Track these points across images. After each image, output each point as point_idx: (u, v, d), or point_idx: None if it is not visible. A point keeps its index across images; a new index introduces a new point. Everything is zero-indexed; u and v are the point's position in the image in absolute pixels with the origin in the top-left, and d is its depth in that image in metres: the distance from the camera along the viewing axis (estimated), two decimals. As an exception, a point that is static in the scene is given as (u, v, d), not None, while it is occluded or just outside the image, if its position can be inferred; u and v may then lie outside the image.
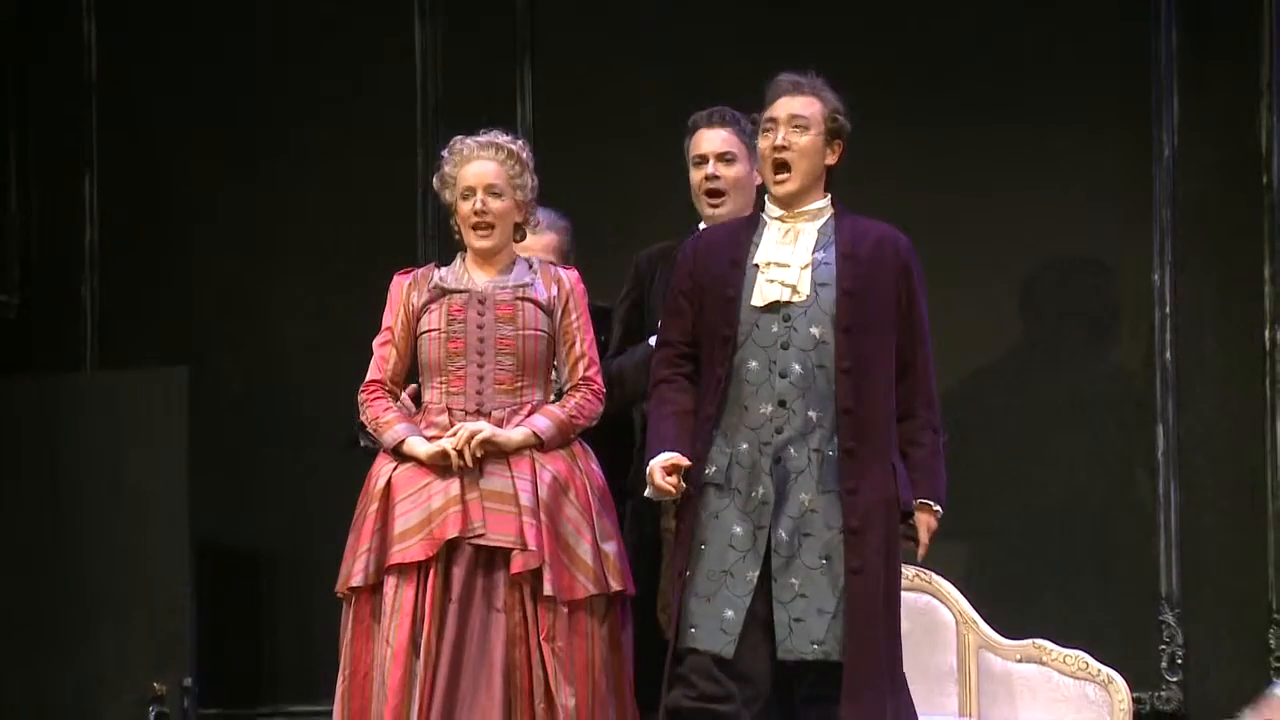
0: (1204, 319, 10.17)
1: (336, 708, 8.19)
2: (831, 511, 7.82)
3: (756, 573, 7.75)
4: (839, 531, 7.85)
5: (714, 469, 7.93)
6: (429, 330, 8.29)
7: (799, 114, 8.08)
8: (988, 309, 10.33)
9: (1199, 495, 10.19)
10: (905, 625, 8.76)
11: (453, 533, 7.98)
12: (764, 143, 8.14)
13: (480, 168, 8.33)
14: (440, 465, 8.04)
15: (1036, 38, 10.36)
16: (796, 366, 7.92)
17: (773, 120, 8.12)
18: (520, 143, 8.52)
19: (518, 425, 8.10)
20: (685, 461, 7.93)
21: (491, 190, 8.29)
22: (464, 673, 8.30)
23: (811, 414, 7.93)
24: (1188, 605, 10.17)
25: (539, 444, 7.99)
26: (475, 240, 8.21)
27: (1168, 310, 10.13)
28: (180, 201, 10.96)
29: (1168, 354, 10.10)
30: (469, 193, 8.30)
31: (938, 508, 8.08)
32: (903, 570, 8.83)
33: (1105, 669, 9.22)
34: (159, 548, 10.30)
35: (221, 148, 10.89)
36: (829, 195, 8.19)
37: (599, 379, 8.27)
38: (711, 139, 8.69)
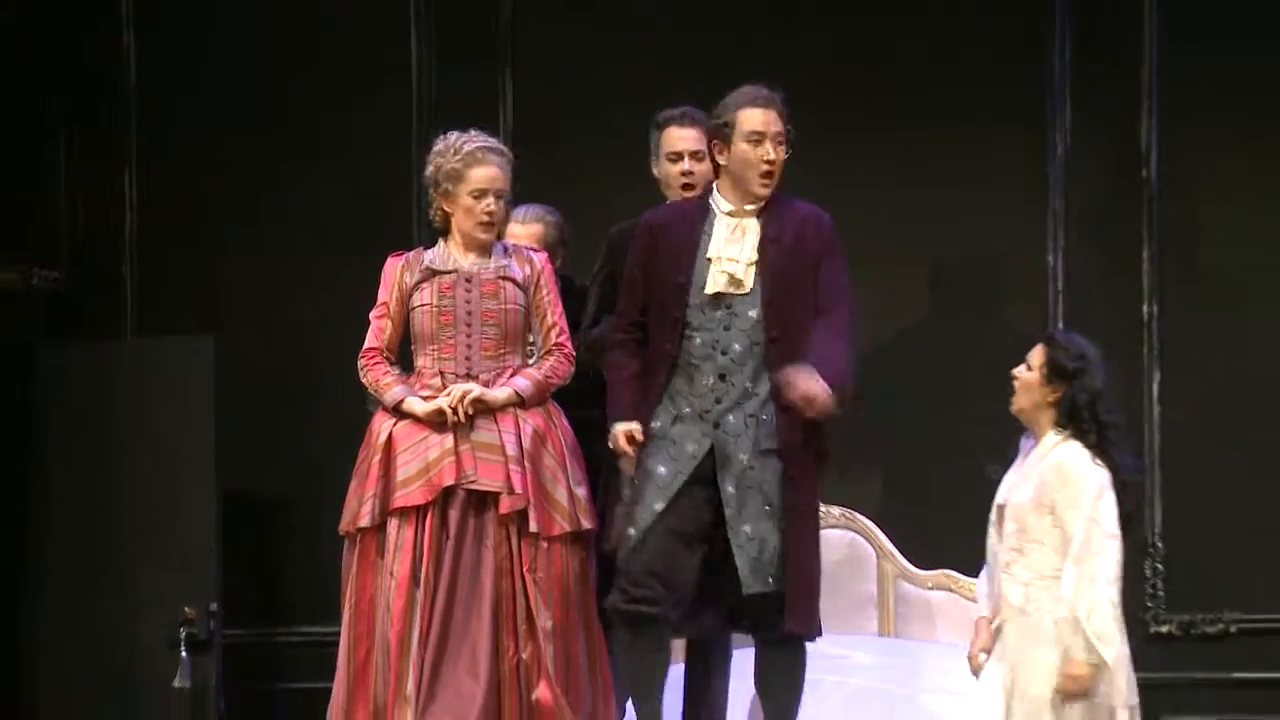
0: (1091, 295, 10.21)
1: (344, 630, 8.31)
2: (769, 466, 7.98)
3: (663, 504, 7.90)
4: (778, 482, 8.03)
5: (658, 424, 8.09)
6: (421, 305, 8.35)
7: (781, 130, 8.21)
8: (910, 286, 10.35)
9: None
10: (834, 557, 9.36)
11: (449, 480, 8.10)
12: (753, 152, 8.17)
13: (492, 171, 8.42)
14: (436, 422, 8.01)
15: (946, 49, 10.37)
16: (736, 345, 8.05)
17: (760, 134, 8.19)
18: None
19: (502, 386, 8.04)
20: (642, 436, 8.07)
21: (499, 193, 8.40)
22: (458, 600, 8.37)
23: (748, 385, 8.06)
24: (1078, 539, 10.31)
25: (520, 402, 8.09)
26: (480, 234, 8.31)
27: (1059, 287, 10.16)
28: (208, 192, 10.99)
29: (1059, 324, 10.06)
30: (481, 193, 8.37)
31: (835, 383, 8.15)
32: (832, 510, 9.48)
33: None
34: (189, 493, 10.41)
35: (243, 145, 10.90)
36: None
37: (569, 344, 8.35)
38: (686, 138, 8.69)
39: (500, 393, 8.03)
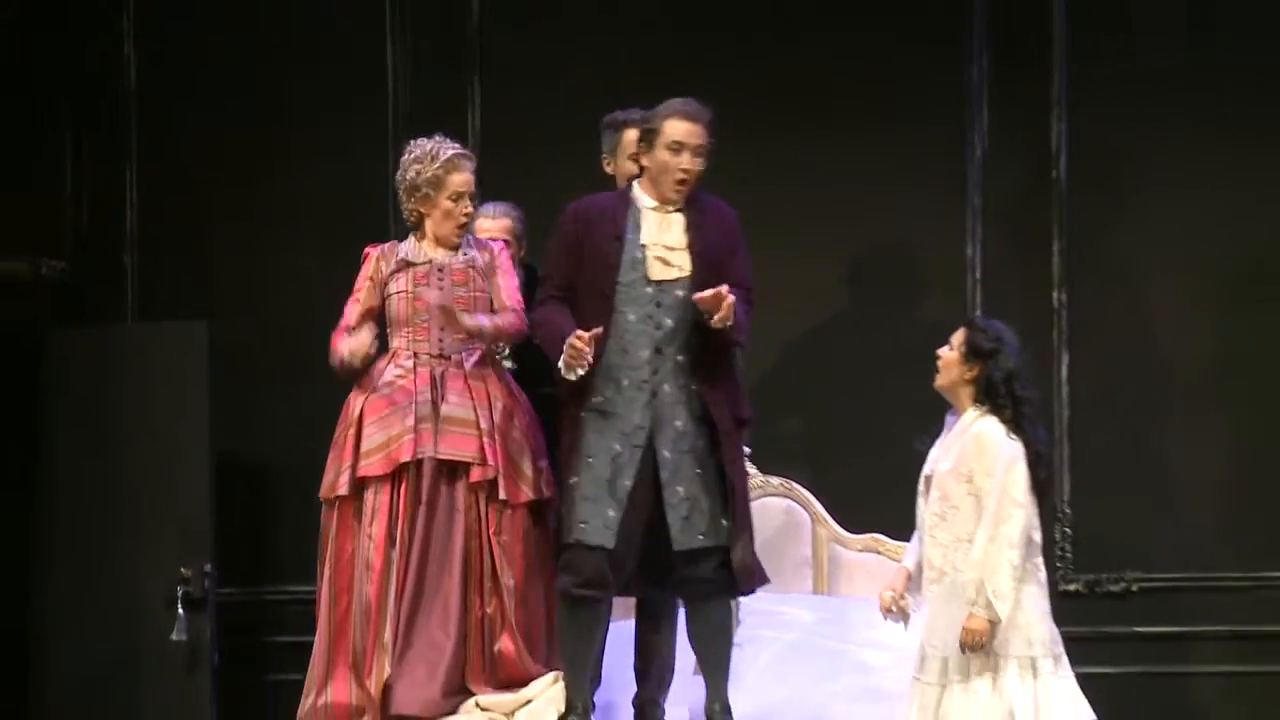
0: (1006, 283, 10.35)
1: (324, 587, 8.49)
2: (701, 432, 8.19)
3: (631, 483, 8.11)
4: (709, 444, 8.25)
5: (600, 399, 8.27)
6: (398, 292, 8.57)
7: (702, 144, 8.37)
8: (841, 275, 10.46)
9: None
10: (773, 522, 9.63)
11: (406, 457, 8.46)
12: (671, 160, 8.36)
13: (467, 176, 8.65)
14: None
15: (877, 60, 10.49)
16: (668, 320, 8.23)
17: (681, 145, 8.37)
18: None
19: (471, 354, 8.35)
20: (592, 333, 8.20)
21: (472, 195, 8.65)
22: (431, 559, 8.62)
23: (679, 357, 8.25)
24: (994, 508, 10.43)
25: (480, 332, 8.34)
26: (455, 236, 8.57)
27: (977, 276, 10.32)
28: (202, 189, 11.08)
29: (977, 310, 10.23)
30: (458, 196, 8.59)
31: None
32: (771, 480, 9.69)
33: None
34: (185, 465, 10.53)
35: (235, 146, 10.98)
36: None
37: (521, 308, 8.56)
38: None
39: (467, 318, 8.23)
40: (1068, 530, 10.18)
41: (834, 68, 10.53)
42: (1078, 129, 10.33)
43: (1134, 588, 10.08)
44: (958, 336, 8.29)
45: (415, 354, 8.49)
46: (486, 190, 9.94)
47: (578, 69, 10.57)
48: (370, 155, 10.62)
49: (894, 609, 8.52)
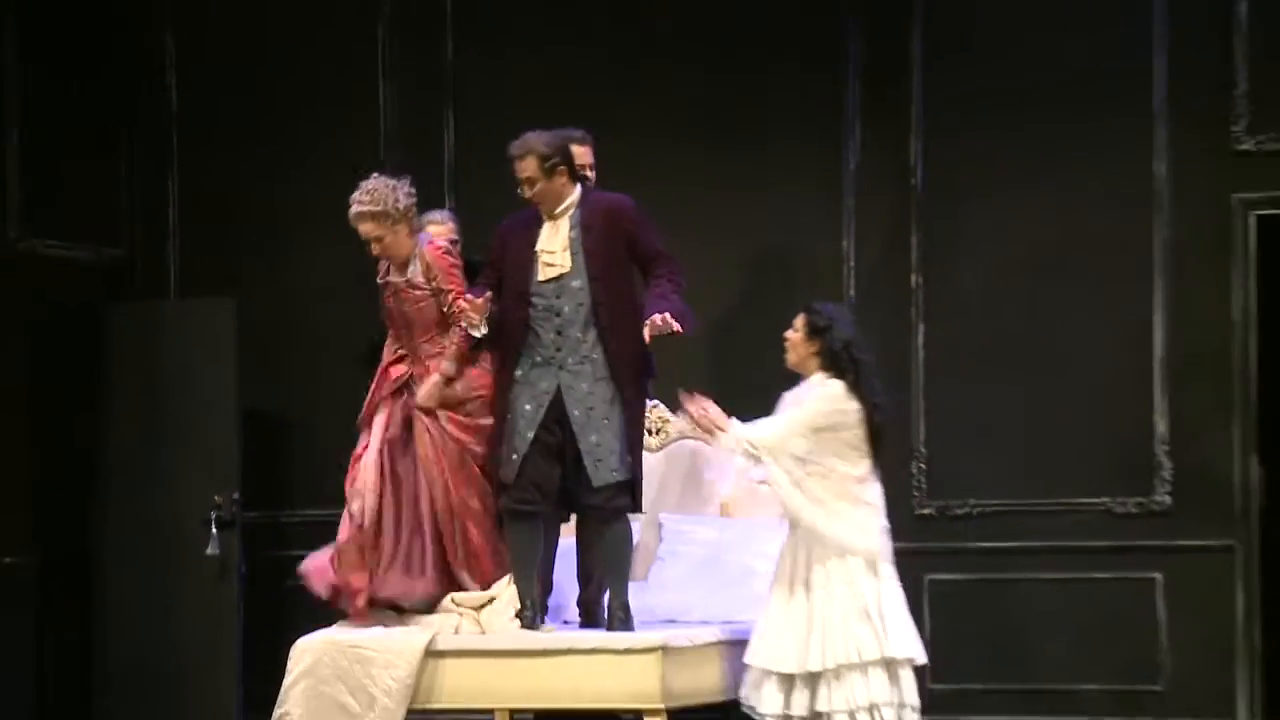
0: (873, 270, 10.71)
1: (347, 489, 9.02)
2: (601, 392, 8.89)
3: (533, 433, 8.84)
4: (611, 400, 8.92)
5: (520, 372, 8.98)
6: (383, 307, 9.20)
7: (524, 175, 8.96)
8: (739, 264, 10.77)
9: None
10: (688, 461, 10.04)
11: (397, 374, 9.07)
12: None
13: (428, 214, 9.42)
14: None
15: (771, 88, 10.74)
16: (566, 308, 8.89)
17: (517, 175, 8.97)
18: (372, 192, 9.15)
19: (435, 370, 8.94)
20: (484, 298, 8.75)
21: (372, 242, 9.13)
22: (401, 466, 9.08)
23: (578, 334, 8.92)
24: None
25: (448, 380, 8.98)
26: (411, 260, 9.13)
27: (851, 265, 10.69)
28: (231, 190, 11.38)
29: (851, 292, 10.67)
30: (419, 228, 9.19)
31: (669, 317, 8.83)
32: (689, 427, 9.74)
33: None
34: (217, 413, 10.93)
35: (258, 156, 11.26)
36: (579, 186, 9.01)
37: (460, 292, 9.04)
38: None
39: (429, 383, 8.88)
40: (922, 466, 10.60)
41: (741, 97, 10.84)
42: (930, 146, 10.67)
43: (974, 511, 10.50)
44: (799, 320, 8.80)
45: (400, 356, 9.13)
46: (462, 198, 10.97)
47: (535, 96, 10.72)
48: (365, 165, 10.29)
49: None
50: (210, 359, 10.94)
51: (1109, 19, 10.52)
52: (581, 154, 9.37)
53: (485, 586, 9.31)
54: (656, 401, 9.97)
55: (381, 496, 9.21)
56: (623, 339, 9.06)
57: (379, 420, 9.21)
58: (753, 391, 9.57)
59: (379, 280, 9.25)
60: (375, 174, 9.23)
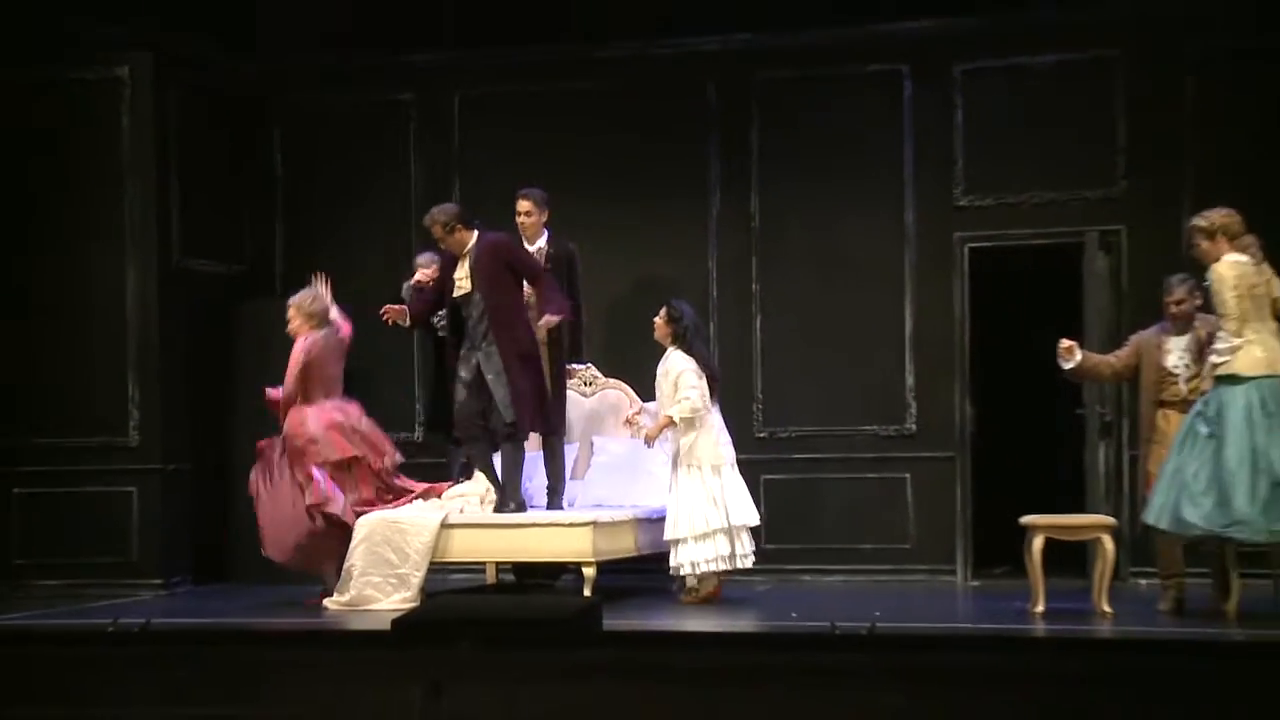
0: (728, 281, 11.41)
1: None
2: (497, 364, 9.60)
3: (468, 391, 9.51)
4: (499, 372, 9.60)
5: (462, 352, 9.65)
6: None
7: (435, 235, 9.65)
8: (634, 278, 11.26)
9: (734, 356, 11.25)
10: (609, 399, 10.59)
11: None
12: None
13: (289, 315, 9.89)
14: None
15: (658, 161, 11.38)
16: (474, 313, 9.62)
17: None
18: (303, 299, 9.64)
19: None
20: (397, 308, 9.41)
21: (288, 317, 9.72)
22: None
23: (482, 330, 9.63)
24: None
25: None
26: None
27: (714, 276, 11.45)
28: (315, 229, 11.80)
29: (714, 294, 11.40)
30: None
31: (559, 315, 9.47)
32: (610, 379, 10.62)
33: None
34: None
35: (335, 207, 11.76)
36: (475, 233, 9.56)
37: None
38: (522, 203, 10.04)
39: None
40: (760, 405, 11.35)
41: (644, 167, 11.40)
42: (764, 200, 11.36)
43: (792, 434, 11.31)
44: (661, 312, 9.70)
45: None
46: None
47: (512, 168, 11.08)
48: (400, 215, 11.46)
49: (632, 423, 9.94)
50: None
51: (879, 121, 11.16)
52: (521, 204, 10.07)
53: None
54: (589, 364, 10.68)
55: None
56: (505, 332, 9.63)
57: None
58: (641, 354, 10.31)
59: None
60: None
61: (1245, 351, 8.36)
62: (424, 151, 11.76)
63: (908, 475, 11.07)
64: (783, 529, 11.04)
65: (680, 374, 9.57)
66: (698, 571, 9.53)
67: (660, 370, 9.73)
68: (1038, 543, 9.01)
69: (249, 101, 11.87)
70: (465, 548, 9.62)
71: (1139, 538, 9.37)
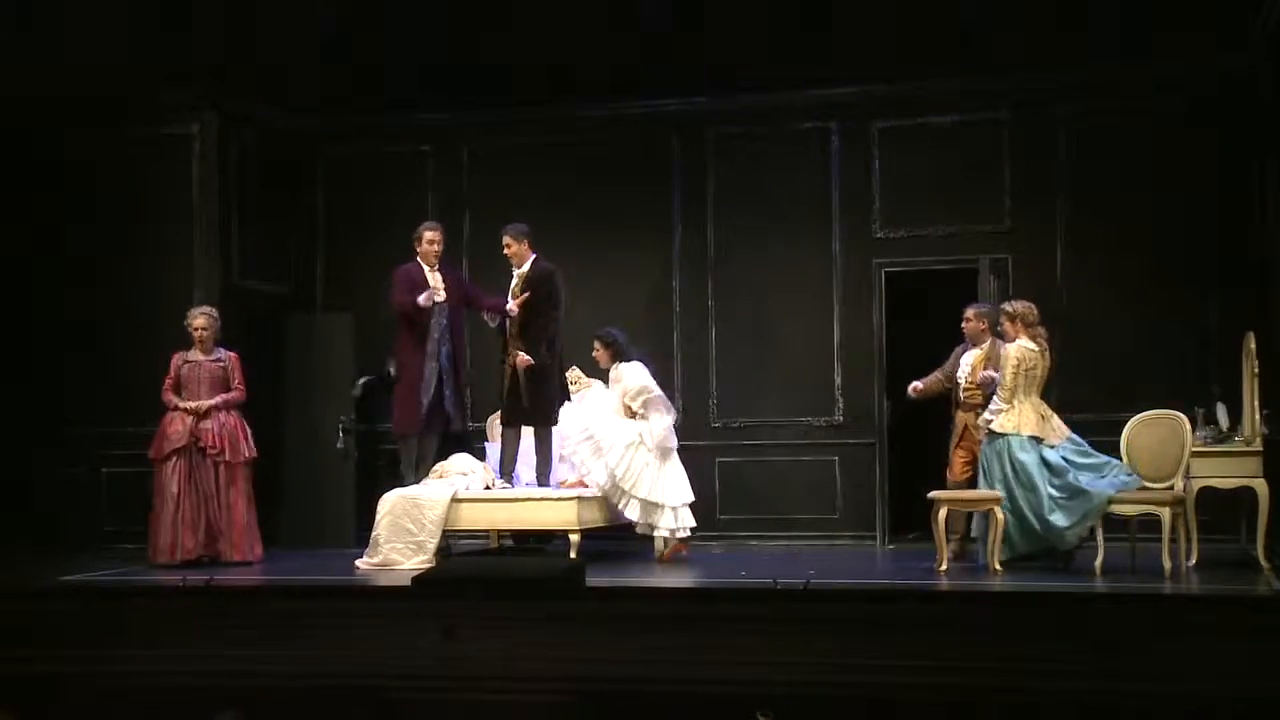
0: (690, 303, 11.25)
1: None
2: (453, 370, 9.57)
3: (434, 390, 9.42)
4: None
5: (425, 355, 9.55)
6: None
7: (506, 244, 9.48)
8: (611, 298, 11.05)
9: (693, 360, 11.13)
10: (590, 400, 9.96)
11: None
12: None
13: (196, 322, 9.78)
14: None
15: (628, 203, 11.18)
16: (444, 321, 9.56)
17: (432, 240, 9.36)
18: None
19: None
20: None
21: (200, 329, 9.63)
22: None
23: (446, 331, 9.61)
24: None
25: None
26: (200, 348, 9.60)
27: (677, 296, 11.27)
28: (349, 254, 11.58)
29: (677, 309, 11.27)
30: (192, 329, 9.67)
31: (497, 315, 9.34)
32: (591, 379, 10.08)
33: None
34: (342, 379, 11.01)
35: (372, 239, 11.38)
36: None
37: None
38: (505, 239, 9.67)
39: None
40: (715, 400, 11.24)
41: (616, 207, 11.24)
42: (718, 232, 11.26)
43: (742, 425, 11.19)
44: (596, 344, 9.76)
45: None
46: (474, 260, 11.12)
47: (509, 207, 10.81)
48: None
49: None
50: (339, 346, 11.08)
51: (812, 169, 11.05)
52: (503, 239, 9.80)
53: None
54: (574, 365, 10.28)
55: None
56: (459, 339, 9.72)
57: None
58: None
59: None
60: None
61: (1007, 416, 8.78)
62: (439, 192, 11.71)
63: (836, 458, 10.99)
64: (732, 503, 11.07)
65: (633, 375, 9.63)
66: (667, 535, 9.58)
67: (612, 377, 9.69)
68: (942, 513, 8.98)
69: (297, 151, 11.77)
70: (472, 517, 9.54)
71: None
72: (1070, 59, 10.38)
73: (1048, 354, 9.01)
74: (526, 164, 11.36)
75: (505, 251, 9.83)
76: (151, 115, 10.85)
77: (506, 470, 9.76)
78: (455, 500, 9.44)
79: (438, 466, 9.75)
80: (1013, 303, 9.06)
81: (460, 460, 9.80)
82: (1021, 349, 8.87)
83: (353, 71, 11.24)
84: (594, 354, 9.77)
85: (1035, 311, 8.97)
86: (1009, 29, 10.36)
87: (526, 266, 9.80)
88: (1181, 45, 10.11)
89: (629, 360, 9.64)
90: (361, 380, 10.43)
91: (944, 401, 9.77)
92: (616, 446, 9.37)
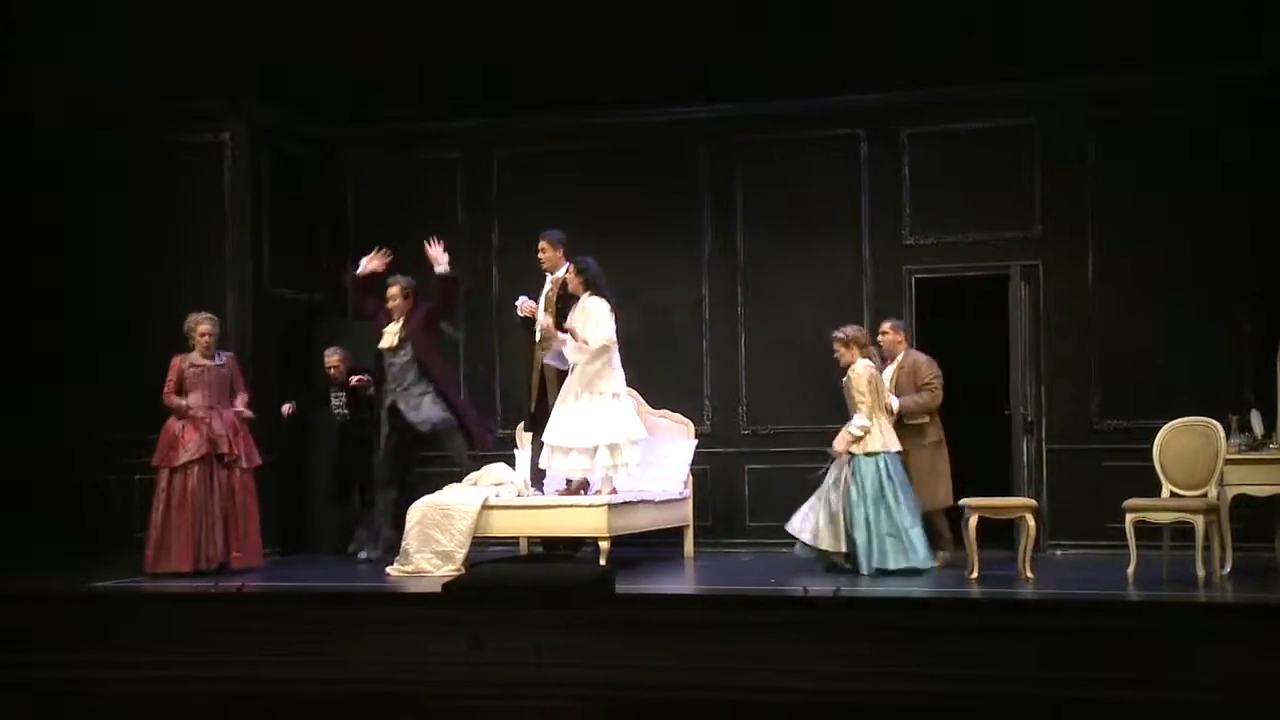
0: (718, 306, 11.20)
1: None
2: (415, 399, 9.72)
3: (389, 428, 9.57)
4: (420, 394, 9.70)
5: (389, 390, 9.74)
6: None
7: (541, 249, 9.61)
8: (643, 301, 10.99)
9: (723, 367, 11.16)
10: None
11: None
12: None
13: (203, 329, 9.79)
14: None
15: (660, 210, 11.22)
16: (400, 361, 9.75)
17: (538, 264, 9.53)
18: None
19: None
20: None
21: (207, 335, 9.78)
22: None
23: (410, 363, 9.75)
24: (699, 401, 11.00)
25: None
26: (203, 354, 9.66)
27: (706, 303, 11.20)
28: (387, 268, 10.59)
29: (706, 316, 11.26)
30: (196, 335, 9.77)
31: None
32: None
33: (684, 420, 10.76)
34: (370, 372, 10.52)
35: (399, 247, 10.62)
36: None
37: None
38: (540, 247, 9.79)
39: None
40: (745, 407, 11.26)
41: (649, 215, 11.31)
42: (747, 239, 11.28)
43: (771, 431, 11.20)
44: (570, 269, 9.41)
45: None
46: (501, 271, 11.31)
47: (538, 214, 10.92)
48: (451, 251, 10.47)
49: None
50: (369, 354, 10.71)
51: (841, 176, 11.05)
52: (540, 244, 9.89)
53: None
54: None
55: None
56: (428, 367, 9.86)
57: None
58: (644, 366, 10.49)
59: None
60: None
61: (873, 436, 9.17)
62: (468, 200, 11.76)
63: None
64: (762, 509, 10.96)
65: (598, 310, 9.47)
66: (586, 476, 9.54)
67: (579, 308, 9.52)
68: (973, 521, 8.99)
69: (326, 160, 11.83)
70: (503, 525, 9.57)
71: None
72: (1100, 63, 10.42)
73: (880, 374, 9.49)
74: (555, 173, 11.42)
75: (540, 256, 9.86)
76: (185, 124, 10.92)
77: (536, 479, 9.84)
78: (486, 507, 9.47)
79: (471, 475, 9.76)
80: (844, 330, 9.44)
81: (496, 470, 9.80)
82: (866, 367, 9.20)
83: (384, 80, 11.36)
84: (569, 283, 9.60)
85: (866, 334, 9.52)
86: (1038, 33, 10.43)
87: (561, 271, 9.83)
88: (1213, 48, 10.10)
89: (602, 295, 9.52)
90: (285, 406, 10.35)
91: (958, 410, 9.94)
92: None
